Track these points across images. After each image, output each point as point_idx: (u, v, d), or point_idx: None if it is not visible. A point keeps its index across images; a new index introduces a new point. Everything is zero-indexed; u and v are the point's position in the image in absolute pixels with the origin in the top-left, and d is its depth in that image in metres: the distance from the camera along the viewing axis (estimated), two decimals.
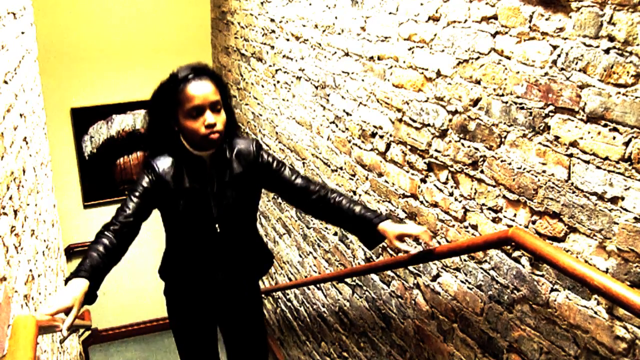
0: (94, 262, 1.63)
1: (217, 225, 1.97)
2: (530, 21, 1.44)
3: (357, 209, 1.89)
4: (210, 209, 1.94)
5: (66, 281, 1.57)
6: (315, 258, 3.11)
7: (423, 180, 1.99)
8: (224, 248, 2.03)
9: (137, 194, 1.83)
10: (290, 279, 3.61)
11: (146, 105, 1.95)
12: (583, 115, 1.32)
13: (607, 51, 1.23)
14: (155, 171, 1.87)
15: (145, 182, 1.86)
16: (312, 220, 3.08)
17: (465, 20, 1.67)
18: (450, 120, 1.79)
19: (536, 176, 1.48)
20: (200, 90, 1.79)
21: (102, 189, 4.83)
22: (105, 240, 1.71)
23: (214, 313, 2.26)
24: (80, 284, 1.54)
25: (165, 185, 1.87)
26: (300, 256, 3.34)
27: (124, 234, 1.76)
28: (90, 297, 1.58)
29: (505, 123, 1.56)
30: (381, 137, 2.23)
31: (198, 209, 1.93)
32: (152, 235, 4.48)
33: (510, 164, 1.56)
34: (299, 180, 2.00)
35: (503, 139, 1.58)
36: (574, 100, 1.33)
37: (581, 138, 1.33)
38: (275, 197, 3.62)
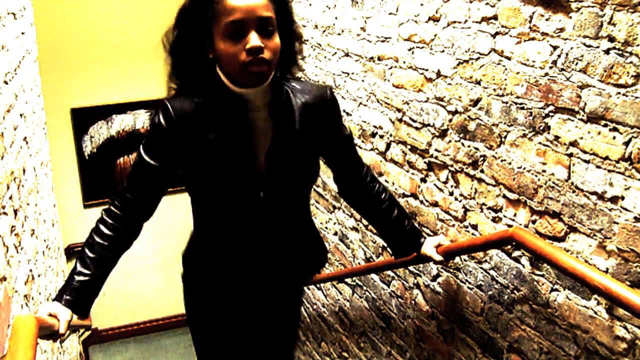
0: (86, 283, 1.44)
1: (261, 194, 1.45)
2: (530, 21, 1.44)
3: (403, 215, 1.69)
4: (254, 173, 1.44)
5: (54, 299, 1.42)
6: None
7: (423, 180, 1.99)
8: (270, 228, 1.53)
9: (145, 157, 1.41)
10: None
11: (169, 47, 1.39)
12: (583, 115, 1.32)
13: (607, 51, 1.23)
14: (168, 113, 1.37)
15: (153, 134, 1.41)
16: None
17: (466, 21, 1.67)
18: (450, 120, 1.80)
19: (536, 176, 1.48)
20: (244, 0, 1.29)
21: (102, 189, 4.83)
22: (104, 244, 1.47)
23: (248, 310, 1.71)
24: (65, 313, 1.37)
25: (182, 133, 1.38)
26: None
27: (132, 219, 1.48)
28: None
29: (505, 123, 1.56)
30: (381, 137, 2.23)
31: (236, 170, 1.43)
32: (154, 234, 4.49)
33: (510, 163, 1.57)
34: (360, 163, 1.65)
35: (503, 139, 1.58)
36: (574, 100, 1.33)
37: (581, 138, 1.33)
38: None
